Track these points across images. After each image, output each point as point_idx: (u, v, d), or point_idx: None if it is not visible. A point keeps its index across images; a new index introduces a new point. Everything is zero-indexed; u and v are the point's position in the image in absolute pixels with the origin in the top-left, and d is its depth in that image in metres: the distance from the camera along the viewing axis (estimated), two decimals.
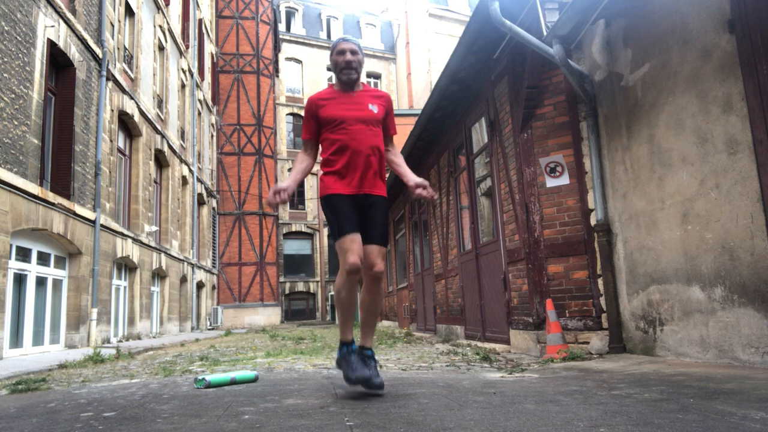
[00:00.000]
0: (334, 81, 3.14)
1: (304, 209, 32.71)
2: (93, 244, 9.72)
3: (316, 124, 3.02)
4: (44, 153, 8.46)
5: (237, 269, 23.95)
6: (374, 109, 2.99)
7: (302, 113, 36.10)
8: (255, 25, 25.98)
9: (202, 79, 21.31)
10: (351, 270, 2.72)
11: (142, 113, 12.96)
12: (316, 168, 26.79)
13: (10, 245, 7.23)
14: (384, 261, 2.91)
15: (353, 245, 2.74)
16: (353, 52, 2.99)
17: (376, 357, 3.08)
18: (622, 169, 4.72)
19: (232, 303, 23.61)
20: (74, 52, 9.28)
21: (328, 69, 35.55)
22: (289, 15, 36.29)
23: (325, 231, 29.31)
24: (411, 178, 3.01)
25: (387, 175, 3.12)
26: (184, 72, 18.12)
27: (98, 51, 10.27)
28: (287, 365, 4.92)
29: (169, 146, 15.53)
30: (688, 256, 3.93)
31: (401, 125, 15.59)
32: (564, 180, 5.24)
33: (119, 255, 11.09)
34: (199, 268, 19.30)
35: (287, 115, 33.63)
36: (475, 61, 6.38)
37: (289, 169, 32.27)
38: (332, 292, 28.16)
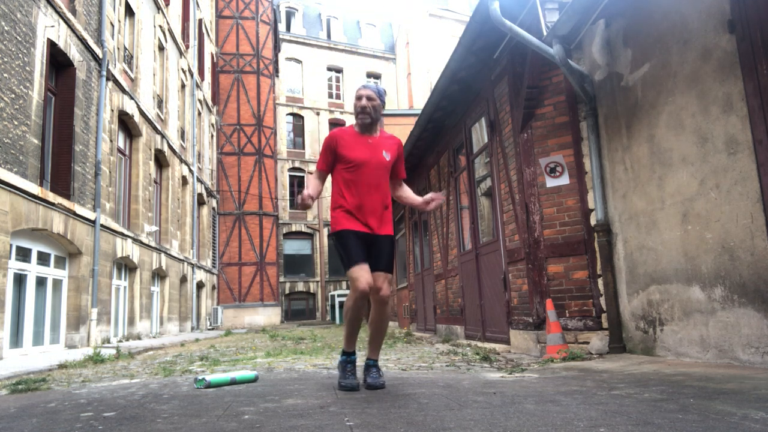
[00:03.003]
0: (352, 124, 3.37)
1: (304, 209, 32.69)
2: (93, 244, 9.72)
3: (332, 158, 3.25)
4: (44, 153, 8.46)
5: (237, 269, 23.95)
6: (387, 156, 3.26)
7: (302, 113, 36.04)
8: (255, 25, 25.98)
9: (202, 79, 21.30)
10: (361, 295, 3.05)
11: (142, 113, 12.95)
12: None
13: (10, 245, 7.23)
14: (390, 286, 3.21)
15: (362, 273, 3.03)
16: (369, 98, 3.22)
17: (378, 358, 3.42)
18: (622, 169, 4.72)
19: (232, 303, 23.61)
20: (74, 52, 9.28)
21: (328, 69, 35.57)
22: (289, 15, 36.27)
23: (325, 231, 29.28)
24: (418, 199, 3.36)
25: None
26: (184, 72, 18.12)
27: (98, 51, 10.27)
28: (287, 365, 4.92)
29: (169, 146, 15.53)
30: (688, 256, 3.93)
31: (401, 125, 15.64)
32: (564, 180, 5.24)
33: (119, 255, 11.09)
34: (199, 268, 19.30)
35: (287, 115, 33.60)
36: (475, 61, 6.38)
37: (290, 169, 32.34)
38: (332, 292, 28.36)
